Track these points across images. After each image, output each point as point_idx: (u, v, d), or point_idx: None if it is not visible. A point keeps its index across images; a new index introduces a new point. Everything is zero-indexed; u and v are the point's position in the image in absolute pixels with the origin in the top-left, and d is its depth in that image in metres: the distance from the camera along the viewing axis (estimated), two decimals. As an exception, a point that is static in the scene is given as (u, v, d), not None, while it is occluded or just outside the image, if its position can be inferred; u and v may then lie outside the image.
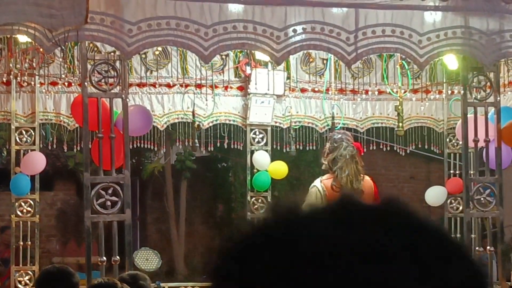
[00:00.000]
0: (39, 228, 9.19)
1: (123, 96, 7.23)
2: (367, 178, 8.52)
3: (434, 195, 10.14)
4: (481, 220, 8.39)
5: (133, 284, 5.02)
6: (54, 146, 9.42)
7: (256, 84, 9.43)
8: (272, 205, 1.22)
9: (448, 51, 7.73)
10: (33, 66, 8.73)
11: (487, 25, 7.69)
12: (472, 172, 8.86)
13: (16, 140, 8.95)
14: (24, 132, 8.99)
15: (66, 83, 8.99)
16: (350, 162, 8.31)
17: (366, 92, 9.88)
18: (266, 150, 9.83)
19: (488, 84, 8.17)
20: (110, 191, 7.11)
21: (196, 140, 9.07)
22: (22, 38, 7.77)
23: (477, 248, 8.36)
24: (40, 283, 4.76)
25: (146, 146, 9.52)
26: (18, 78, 8.80)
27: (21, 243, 9.00)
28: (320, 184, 8.40)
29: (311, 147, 10.09)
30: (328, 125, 9.83)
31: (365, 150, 10.02)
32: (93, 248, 7.31)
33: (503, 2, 7.66)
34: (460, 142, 9.04)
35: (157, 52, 9.19)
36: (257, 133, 9.86)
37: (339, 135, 8.51)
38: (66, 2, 6.57)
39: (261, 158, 9.75)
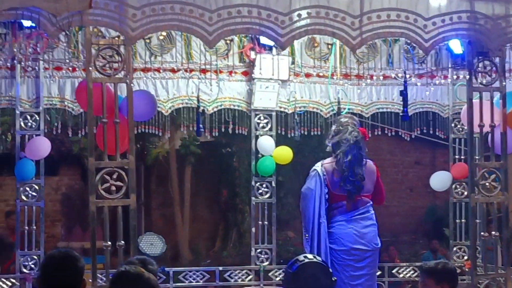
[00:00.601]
0: (44, 213, 9.19)
1: (127, 81, 7.21)
2: (370, 162, 8.48)
3: (439, 180, 10.13)
4: (486, 205, 8.36)
5: (142, 268, 5.04)
6: (59, 131, 9.40)
7: (260, 69, 9.41)
8: None
9: (453, 36, 7.70)
10: (38, 51, 8.71)
11: (493, 10, 7.66)
12: (477, 157, 8.85)
13: (20, 125, 8.95)
14: (28, 117, 8.98)
15: (70, 68, 8.96)
16: (354, 147, 8.28)
17: (371, 77, 9.87)
18: (271, 135, 9.82)
19: (494, 69, 8.13)
20: (114, 176, 7.11)
21: (201, 125, 9.04)
22: (27, 23, 7.77)
23: (482, 233, 8.34)
24: (45, 267, 4.75)
25: (150, 131, 9.51)
26: (23, 63, 8.80)
27: (26, 227, 9.01)
28: (321, 168, 8.36)
29: (315, 132, 10.07)
30: (333, 110, 9.81)
31: (370, 135, 10.01)
32: (98, 233, 7.31)
33: (509, -13, 7.63)
34: (466, 127, 9.03)
35: (161, 37, 9.17)
36: (262, 118, 9.84)
37: (346, 119, 8.49)
38: (70, -14, 6.55)
39: (265, 143, 9.74)
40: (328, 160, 8.47)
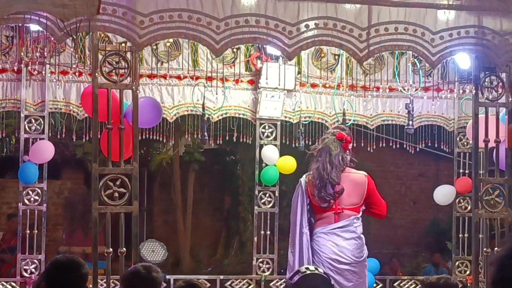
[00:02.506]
0: (46, 217, 9.18)
1: (133, 87, 7.21)
2: (358, 174, 8.13)
3: (443, 194, 10.11)
4: (489, 220, 8.34)
5: (147, 274, 5.06)
6: (63, 135, 9.41)
7: (266, 78, 9.41)
8: None
9: (460, 50, 7.68)
10: (44, 54, 8.72)
11: (501, 25, 7.64)
12: (481, 172, 8.83)
13: (25, 128, 8.96)
14: (33, 121, 8.99)
15: (76, 73, 8.98)
16: (323, 153, 8.06)
17: (377, 89, 9.87)
18: (275, 145, 9.82)
19: (500, 84, 8.13)
20: (118, 183, 7.10)
21: (205, 133, 9.03)
22: (34, 26, 7.77)
23: (485, 248, 8.31)
24: (49, 272, 4.76)
25: (155, 137, 9.51)
26: (29, 67, 8.81)
27: (28, 231, 9.01)
28: (304, 179, 8.22)
29: (320, 143, 10.04)
30: (338, 121, 9.79)
31: (374, 147, 9.99)
32: (99, 238, 7.30)
33: (517, 2, 7.61)
34: (470, 142, 9.00)
35: (168, 44, 9.18)
36: (267, 127, 9.84)
37: (333, 130, 8.28)
38: (79, -8, 6.55)
39: (270, 152, 9.73)
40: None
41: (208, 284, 9.64)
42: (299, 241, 8.09)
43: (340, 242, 7.99)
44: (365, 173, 8.16)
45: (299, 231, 8.09)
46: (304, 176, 8.21)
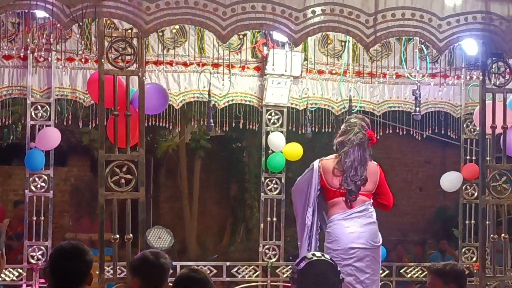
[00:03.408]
0: (53, 204, 9.19)
1: (139, 73, 7.20)
2: (373, 164, 8.29)
3: (450, 180, 10.09)
4: (496, 207, 8.32)
5: (155, 261, 5.06)
6: (69, 122, 9.40)
7: (273, 64, 9.38)
8: None
9: (467, 36, 7.65)
10: (50, 41, 8.71)
11: (508, 11, 7.61)
12: (488, 158, 8.81)
13: (31, 115, 8.95)
14: (39, 107, 8.98)
15: (82, 59, 8.96)
16: (357, 148, 8.17)
17: (384, 75, 9.84)
18: (282, 132, 9.80)
19: (508, 70, 8.10)
20: (124, 169, 7.10)
21: (211, 120, 9.01)
22: (40, 13, 7.75)
23: (492, 235, 8.29)
24: (53, 258, 4.76)
25: (161, 124, 9.49)
26: (35, 53, 8.79)
27: (35, 218, 9.01)
28: (318, 164, 8.24)
29: (326, 130, 10.03)
30: (344, 107, 9.78)
31: (381, 134, 9.97)
32: (106, 225, 7.30)
33: (525, -12, 7.58)
34: (477, 128, 8.97)
35: (174, 31, 9.15)
36: (273, 114, 9.82)
37: (355, 120, 8.38)
38: (85, -22, 6.54)
39: (276, 139, 9.72)
40: (329, 157, 8.36)
41: (215, 271, 9.65)
42: (308, 232, 8.15)
43: (359, 228, 8.04)
44: (376, 163, 8.27)
45: (306, 214, 8.16)
46: (317, 161, 8.25)
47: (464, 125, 10.14)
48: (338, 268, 7.70)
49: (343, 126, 8.41)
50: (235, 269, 9.76)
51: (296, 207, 8.35)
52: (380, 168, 8.31)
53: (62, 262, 4.66)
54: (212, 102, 9.19)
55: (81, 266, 4.66)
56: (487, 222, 8.56)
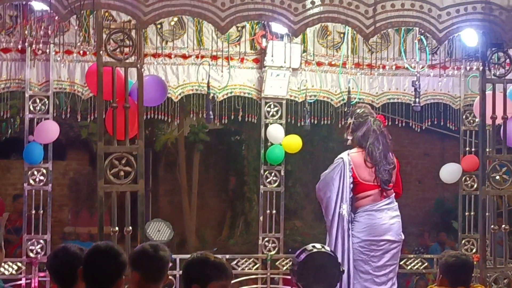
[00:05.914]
0: (52, 197, 9.16)
1: (138, 65, 7.16)
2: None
3: (449, 172, 10.07)
4: (495, 198, 8.30)
5: (155, 253, 5.05)
6: (68, 115, 9.36)
7: (272, 56, 9.35)
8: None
9: (467, 26, 7.62)
10: (48, 34, 8.67)
11: (508, 1, 7.60)
12: (488, 149, 8.78)
13: (29, 108, 8.92)
14: (38, 101, 8.95)
15: (81, 52, 8.92)
16: (381, 137, 8.25)
17: (383, 67, 9.82)
18: (281, 124, 9.78)
19: (508, 60, 8.08)
20: (123, 161, 7.07)
21: (210, 112, 8.98)
22: (38, 5, 7.72)
23: (492, 226, 8.28)
24: (88, 258, 4.77)
25: (159, 117, 9.47)
26: (33, 46, 8.76)
27: (33, 212, 8.99)
28: (348, 158, 8.33)
29: (325, 122, 10.02)
30: (343, 99, 9.76)
31: (380, 125, 9.95)
32: (105, 218, 7.27)
33: (525, -22, 7.55)
34: (477, 119, 8.96)
35: (172, 23, 9.12)
36: (272, 106, 9.80)
37: (362, 109, 8.41)
38: (83, -31, 6.50)
39: (275, 131, 9.69)
40: (355, 150, 8.42)
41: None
42: (337, 221, 8.18)
43: (389, 220, 8.14)
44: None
45: (338, 209, 8.19)
46: (346, 154, 8.31)
47: (464, 117, 10.13)
48: (338, 260, 7.70)
49: (352, 120, 8.41)
50: (235, 262, 9.74)
51: (327, 203, 8.31)
52: (396, 159, 8.50)
53: (97, 262, 4.69)
54: (211, 95, 9.16)
55: (114, 266, 4.70)
56: (487, 214, 8.55)
